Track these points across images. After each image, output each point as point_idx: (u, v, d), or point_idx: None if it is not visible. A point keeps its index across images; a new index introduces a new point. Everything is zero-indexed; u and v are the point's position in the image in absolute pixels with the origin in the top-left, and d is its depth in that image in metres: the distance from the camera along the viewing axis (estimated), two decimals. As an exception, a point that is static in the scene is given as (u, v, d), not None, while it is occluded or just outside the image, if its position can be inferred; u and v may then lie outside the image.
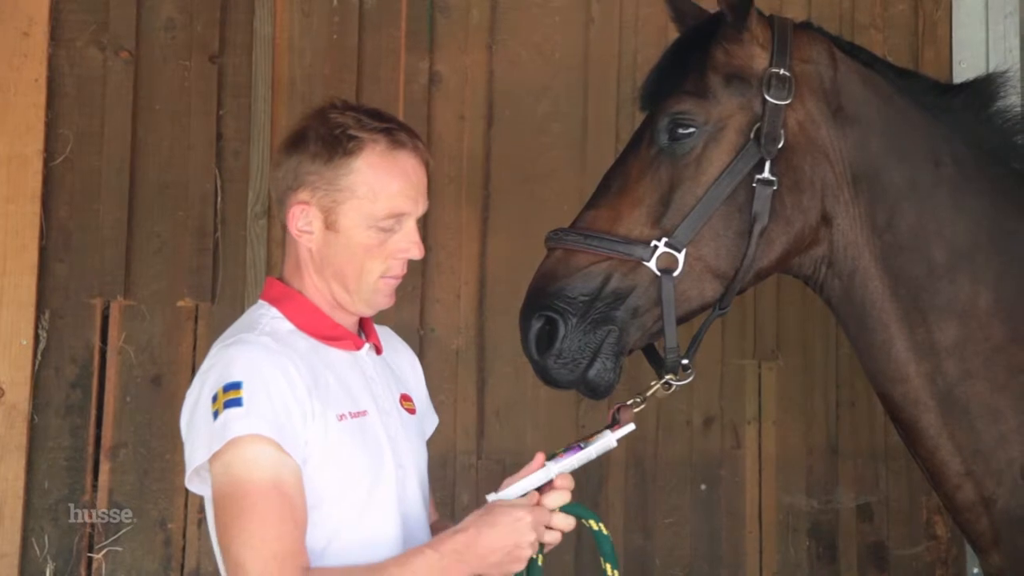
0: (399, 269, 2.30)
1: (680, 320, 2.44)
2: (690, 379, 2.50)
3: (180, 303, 3.73)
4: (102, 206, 3.72)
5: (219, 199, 3.77)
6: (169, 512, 3.65)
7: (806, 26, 2.61)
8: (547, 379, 2.43)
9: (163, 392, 3.68)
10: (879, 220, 2.52)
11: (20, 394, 3.59)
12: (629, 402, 2.40)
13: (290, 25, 3.85)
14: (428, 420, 2.56)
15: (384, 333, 2.48)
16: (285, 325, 2.27)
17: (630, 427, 2.32)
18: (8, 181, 3.64)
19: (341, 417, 2.21)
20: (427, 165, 2.33)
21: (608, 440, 2.27)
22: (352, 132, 2.23)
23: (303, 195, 2.25)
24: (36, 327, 3.63)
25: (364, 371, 2.33)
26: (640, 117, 2.62)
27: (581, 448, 2.25)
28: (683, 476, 3.88)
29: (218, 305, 3.73)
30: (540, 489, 2.22)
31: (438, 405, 2.74)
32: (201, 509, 3.52)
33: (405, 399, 2.42)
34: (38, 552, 3.60)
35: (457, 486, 3.78)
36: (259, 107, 3.79)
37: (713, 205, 2.42)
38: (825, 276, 2.57)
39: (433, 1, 3.93)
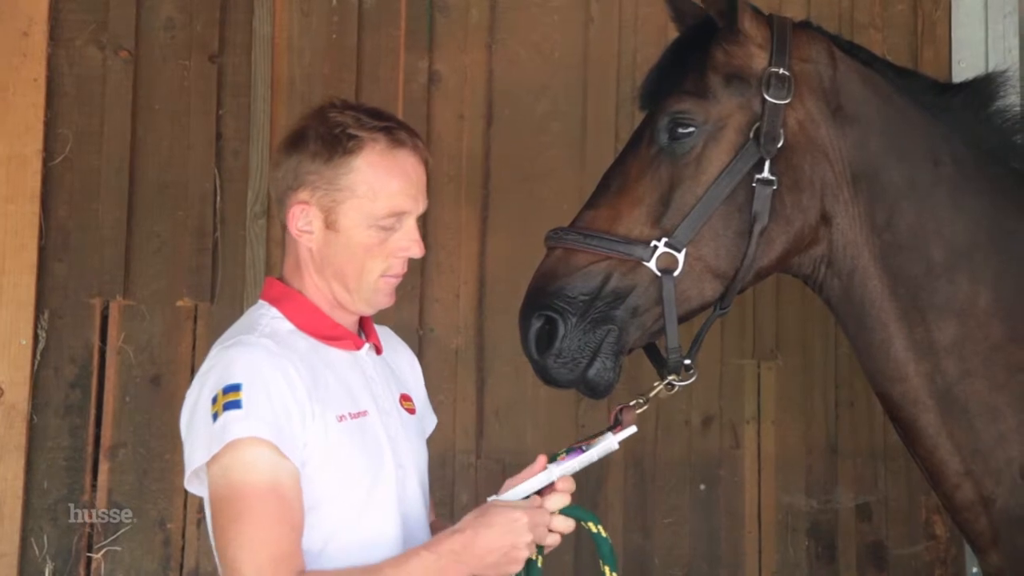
0: (400, 268, 2.30)
1: (680, 320, 2.43)
2: (693, 379, 2.49)
3: (179, 303, 3.73)
4: (101, 206, 3.72)
5: (218, 199, 3.77)
6: (168, 512, 3.65)
7: (805, 25, 2.60)
8: (547, 379, 2.43)
9: (162, 392, 3.68)
10: (878, 219, 2.52)
11: (19, 394, 3.59)
12: (631, 403, 2.40)
13: (289, 25, 3.85)
14: (427, 420, 2.56)
15: (384, 333, 2.48)
16: (285, 325, 2.26)
17: (632, 429, 2.31)
18: (7, 181, 3.64)
19: (341, 418, 2.21)
20: (427, 164, 2.33)
21: (610, 442, 2.27)
22: (352, 131, 2.23)
23: (303, 195, 2.25)
24: (35, 327, 3.63)
25: (364, 371, 2.33)
26: (640, 116, 2.62)
27: (583, 451, 2.24)
28: (682, 476, 3.88)
29: (217, 305, 3.73)
30: (541, 491, 2.22)
31: (437, 405, 2.74)
32: (200, 509, 3.53)
33: (405, 399, 2.42)
34: (37, 552, 3.60)
35: (456, 486, 3.78)
36: (258, 107, 3.79)
37: (713, 205, 2.42)
38: (824, 275, 2.57)
39: (432, 0, 3.93)
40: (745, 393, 3.93)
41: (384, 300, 2.32)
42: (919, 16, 4.06)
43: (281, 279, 2.34)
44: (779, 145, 2.44)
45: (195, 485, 2.20)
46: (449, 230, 3.85)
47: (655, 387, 2.46)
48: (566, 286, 2.40)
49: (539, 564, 2.24)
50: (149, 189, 3.75)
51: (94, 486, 3.64)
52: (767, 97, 2.44)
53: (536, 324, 2.41)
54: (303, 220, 2.26)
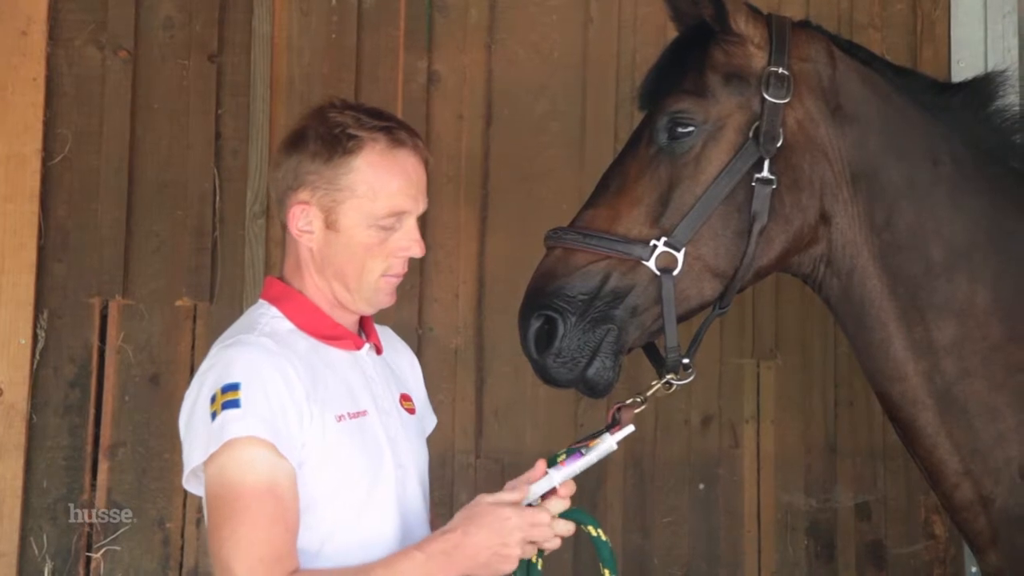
0: (400, 267, 2.30)
1: (680, 319, 2.44)
2: (691, 379, 2.49)
3: (178, 302, 3.73)
4: (100, 205, 3.72)
5: (218, 198, 3.77)
6: (168, 511, 3.65)
7: (804, 25, 2.61)
8: (546, 378, 2.43)
9: (161, 391, 3.68)
10: (877, 219, 2.52)
11: (19, 393, 3.59)
12: (629, 401, 2.41)
13: (289, 24, 3.85)
14: (427, 420, 2.56)
15: (384, 333, 2.48)
16: (285, 325, 2.26)
17: (629, 428, 2.31)
18: (6, 180, 3.64)
19: (340, 418, 2.21)
20: (427, 163, 2.33)
21: (609, 444, 2.26)
22: (352, 131, 2.23)
23: (303, 195, 2.25)
24: (35, 326, 3.63)
25: (364, 371, 2.32)
26: (639, 116, 2.62)
27: (582, 454, 2.24)
28: (681, 475, 3.88)
29: (216, 304, 3.73)
30: (542, 496, 2.22)
31: (436, 405, 2.74)
32: (199, 509, 3.52)
33: (405, 399, 2.42)
34: (36, 551, 3.60)
35: (455, 485, 3.78)
36: (258, 106, 3.79)
37: (712, 204, 2.42)
38: (824, 275, 2.57)
39: (431, 1, 3.93)
40: (744, 392, 3.93)
41: (385, 300, 2.32)
42: (918, 16, 4.06)
43: (281, 279, 2.34)
44: (778, 144, 2.44)
45: (193, 484, 2.20)
46: (448, 230, 3.85)
47: (653, 386, 2.46)
48: (565, 285, 2.40)
49: (539, 567, 2.24)
50: (148, 189, 3.75)
51: (93, 486, 3.64)
52: (766, 96, 2.44)
53: (535, 324, 2.41)
54: (303, 220, 2.26)
